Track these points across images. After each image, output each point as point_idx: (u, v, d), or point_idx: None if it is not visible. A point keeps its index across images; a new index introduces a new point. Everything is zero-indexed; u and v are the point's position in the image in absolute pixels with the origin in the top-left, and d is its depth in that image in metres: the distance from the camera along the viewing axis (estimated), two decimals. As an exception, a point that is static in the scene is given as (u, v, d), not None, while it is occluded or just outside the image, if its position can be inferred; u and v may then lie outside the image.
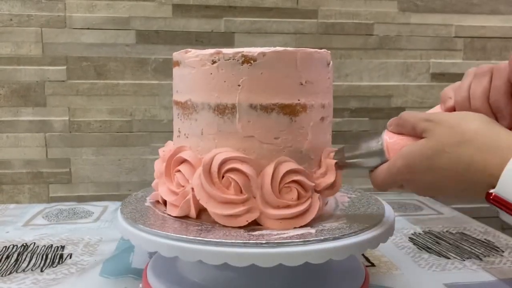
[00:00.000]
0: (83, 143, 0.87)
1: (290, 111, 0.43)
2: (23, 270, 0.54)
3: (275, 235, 0.39)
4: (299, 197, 0.42)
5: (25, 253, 0.59)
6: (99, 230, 0.69)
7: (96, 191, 0.88)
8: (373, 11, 0.91)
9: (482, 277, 0.53)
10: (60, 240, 0.65)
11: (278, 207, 0.41)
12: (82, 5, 0.84)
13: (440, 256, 0.60)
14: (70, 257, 0.58)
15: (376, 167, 0.41)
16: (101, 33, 0.85)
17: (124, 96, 0.87)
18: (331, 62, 0.47)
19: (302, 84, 0.43)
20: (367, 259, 0.58)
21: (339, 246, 0.38)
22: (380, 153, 0.41)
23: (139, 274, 0.52)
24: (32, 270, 0.54)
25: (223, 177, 0.41)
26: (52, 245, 0.62)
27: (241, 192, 0.41)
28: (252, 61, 0.41)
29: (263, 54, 0.41)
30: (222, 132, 0.43)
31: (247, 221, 0.41)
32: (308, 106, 0.43)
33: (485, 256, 0.60)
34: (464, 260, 0.58)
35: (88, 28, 0.84)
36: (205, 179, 0.41)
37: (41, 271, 0.54)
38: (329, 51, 0.47)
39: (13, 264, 0.56)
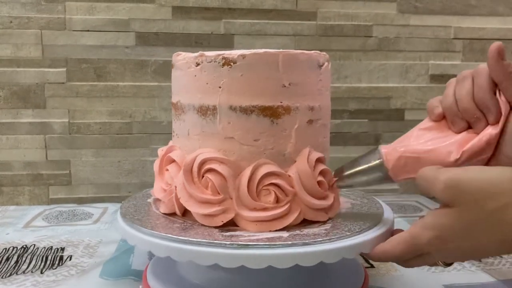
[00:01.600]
0: (83, 144, 0.87)
1: (271, 113, 0.42)
2: (23, 272, 0.54)
3: (245, 236, 0.39)
4: (278, 200, 0.42)
5: (25, 255, 0.59)
6: (99, 231, 0.69)
7: (96, 192, 0.88)
8: (372, 12, 0.91)
9: (481, 278, 0.54)
10: (60, 241, 0.65)
11: (254, 209, 0.41)
12: (82, 7, 0.84)
13: (439, 257, 0.60)
14: (70, 259, 0.59)
15: (377, 181, 0.42)
16: (101, 35, 0.85)
17: (124, 98, 0.87)
18: (326, 63, 0.46)
19: (285, 86, 0.42)
20: (367, 261, 0.58)
21: (307, 252, 0.38)
22: (379, 165, 0.41)
23: (139, 275, 0.52)
24: (32, 272, 0.55)
25: (203, 177, 0.42)
26: (52, 247, 0.62)
27: (218, 192, 0.42)
28: (232, 63, 0.42)
29: (243, 56, 0.42)
30: (205, 133, 0.44)
31: (222, 221, 0.42)
32: (292, 109, 0.43)
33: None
34: (463, 261, 0.58)
35: (88, 30, 0.85)
36: (185, 178, 0.42)
37: (41, 273, 0.54)
38: (322, 53, 0.46)
39: (13, 266, 0.56)
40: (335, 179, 0.45)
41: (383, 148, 0.41)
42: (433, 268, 0.56)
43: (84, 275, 0.54)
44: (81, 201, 0.87)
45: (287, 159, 0.43)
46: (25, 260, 0.58)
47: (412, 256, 0.39)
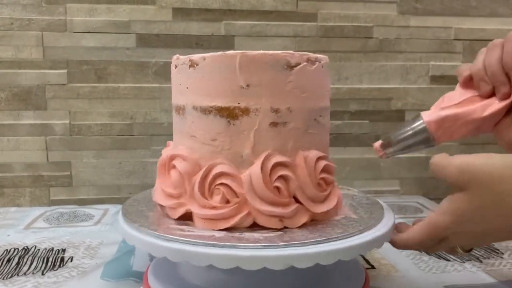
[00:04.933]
0: (84, 146, 0.87)
1: (228, 114, 0.42)
2: (24, 274, 0.54)
3: (183, 231, 0.41)
4: (228, 201, 0.42)
5: (26, 256, 0.60)
6: (100, 233, 0.70)
7: (97, 194, 0.89)
8: (373, 14, 0.91)
9: (482, 279, 0.54)
10: (61, 243, 0.65)
11: (204, 206, 0.42)
12: (83, 9, 0.84)
13: (440, 258, 0.60)
14: (71, 260, 0.59)
15: (421, 144, 0.46)
16: (102, 37, 0.85)
17: (125, 100, 0.87)
18: (305, 63, 0.43)
19: (243, 88, 0.42)
20: (367, 262, 0.58)
21: (219, 254, 0.37)
22: (423, 129, 0.46)
23: (140, 277, 0.52)
24: (33, 273, 0.55)
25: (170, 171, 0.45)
26: (53, 248, 0.63)
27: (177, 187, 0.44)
28: (195, 65, 0.43)
29: (204, 58, 0.43)
30: (180, 131, 0.47)
31: (177, 215, 0.44)
32: (251, 110, 0.42)
33: (485, 258, 0.60)
34: (464, 262, 0.58)
35: (89, 32, 0.85)
36: (158, 172, 0.46)
37: (42, 274, 0.54)
38: (299, 53, 0.44)
39: (14, 268, 0.56)
40: (383, 148, 0.48)
41: (424, 114, 0.46)
42: (433, 269, 0.56)
43: (85, 276, 0.54)
44: (82, 202, 0.88)
45: (245, 161, 0.43)
46: (26, 262, 0.58)
47: (434, 243, 0.41)
